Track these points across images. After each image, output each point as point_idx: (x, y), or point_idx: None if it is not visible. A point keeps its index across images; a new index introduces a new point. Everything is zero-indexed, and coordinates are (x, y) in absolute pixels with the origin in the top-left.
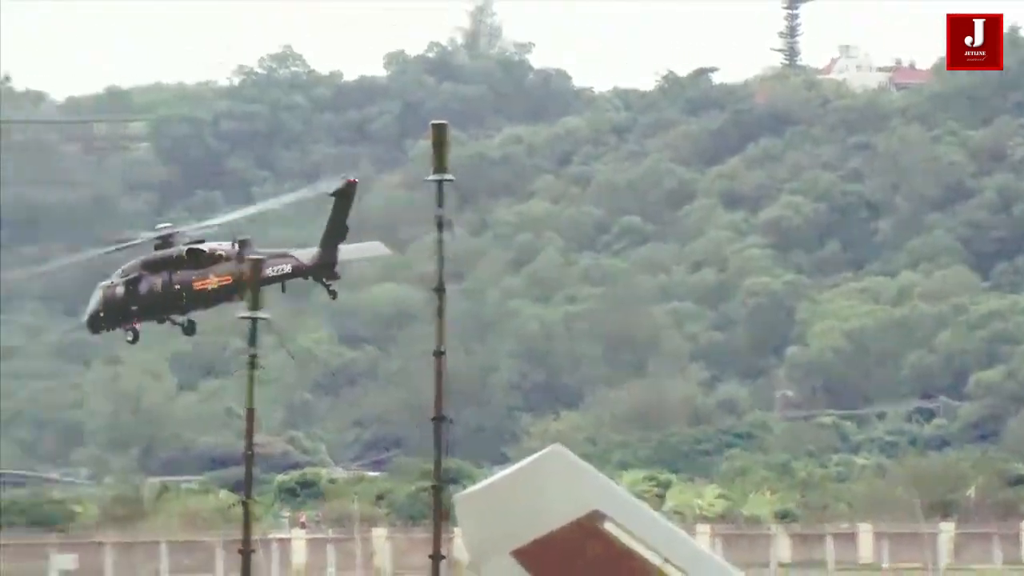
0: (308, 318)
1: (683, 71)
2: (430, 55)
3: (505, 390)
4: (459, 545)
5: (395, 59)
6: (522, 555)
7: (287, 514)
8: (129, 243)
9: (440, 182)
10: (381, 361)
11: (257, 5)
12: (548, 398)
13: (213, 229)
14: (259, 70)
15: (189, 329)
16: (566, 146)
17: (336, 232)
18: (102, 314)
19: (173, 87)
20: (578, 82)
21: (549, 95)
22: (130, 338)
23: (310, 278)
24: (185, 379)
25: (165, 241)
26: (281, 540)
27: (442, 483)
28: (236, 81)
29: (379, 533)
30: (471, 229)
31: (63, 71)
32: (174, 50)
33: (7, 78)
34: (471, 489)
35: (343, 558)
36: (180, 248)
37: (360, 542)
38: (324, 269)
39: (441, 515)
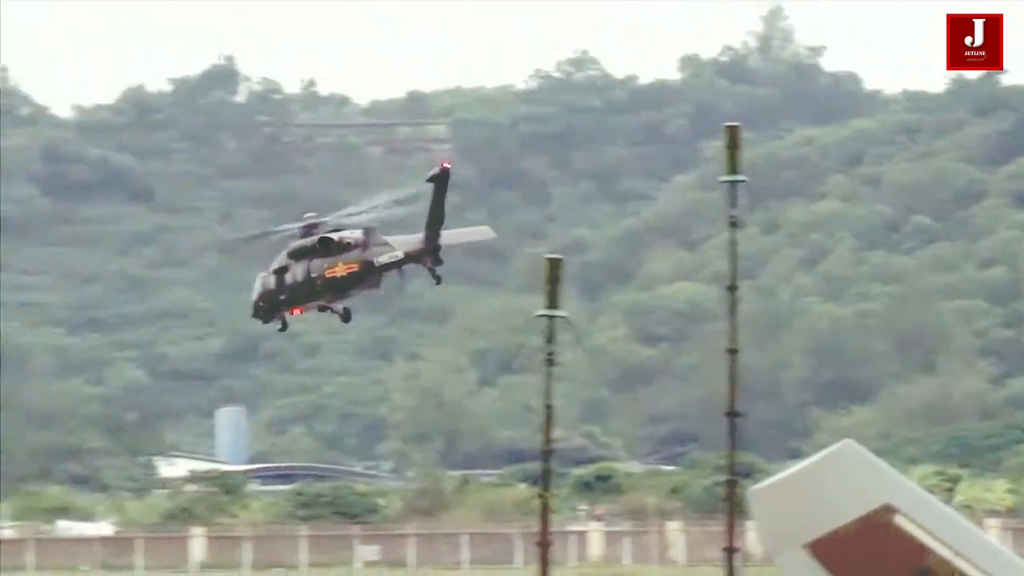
0: (605, 316)
1: (972, 74)
2: (723, 58)
3: (796, 386)
4: (753, 538)
5: (689, 62)
6: (815, 548)
7: (584, 507)
8: (280, 232)
9: (733, 183)
10: (675, 358)
11: (554, 9)
12: (838, 394)
13: (357, 218)
14: (556, 74)
15: (346, 317)
16: (856, 147)
17: (437, 217)
18: (261, 303)
19: (473, 91)
20: (868, 84)
21: (840, 97)
22: (279, 327)
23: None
24: (485, 375)
25: (309, 230)
26: (578, 532)
27: (736, 477)
28: (533, 85)
29: (674, 526)
30: (763, 228)
31: (367, 76)
32: (474, 55)
33: (312, 83)
34: (765, 483)
35: (638, 550)
36: (313, 237)
37: (655, 535)
38: (430, 254)
39: (735, 508)
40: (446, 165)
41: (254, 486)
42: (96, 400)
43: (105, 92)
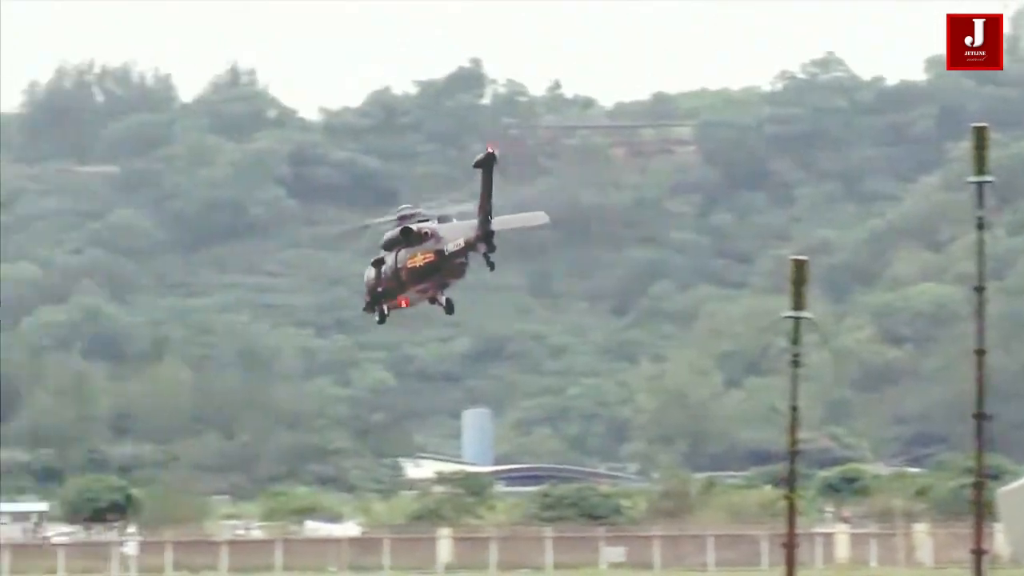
0: (850, 317)
1: None
2: None
3: None
4: (1000, 540)
5: (935, 63)
6: None
7: (830, 509)
8: (379, 223)
9: (980, 184)
10: (921, 359)
11: (800, 10)
12: None
13: (459, 207)
14: (801, 75)
15: (448, 308)
16: None
17: (487, 202)
18: (368, 296)
19: (718, 92)
20: None
21: None
22: (377, 319)
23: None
24: (730, 376)
25: (402, 221)
26: (824, 534)
27: (983, 479)
28: (779, 86)
29: (920, 528)
30: (1010, 229)
31: (612, 78)
32: (719, 56)
33: (558, 85)
34: (1013, 485)
35: (885, 552)
36: (395, 229)
37: (902, 537)
38: (483, 240)
39: (983, 511)
40: (491, 149)
41: (500, 487)
42: (343, 401)
43: (352, 95)
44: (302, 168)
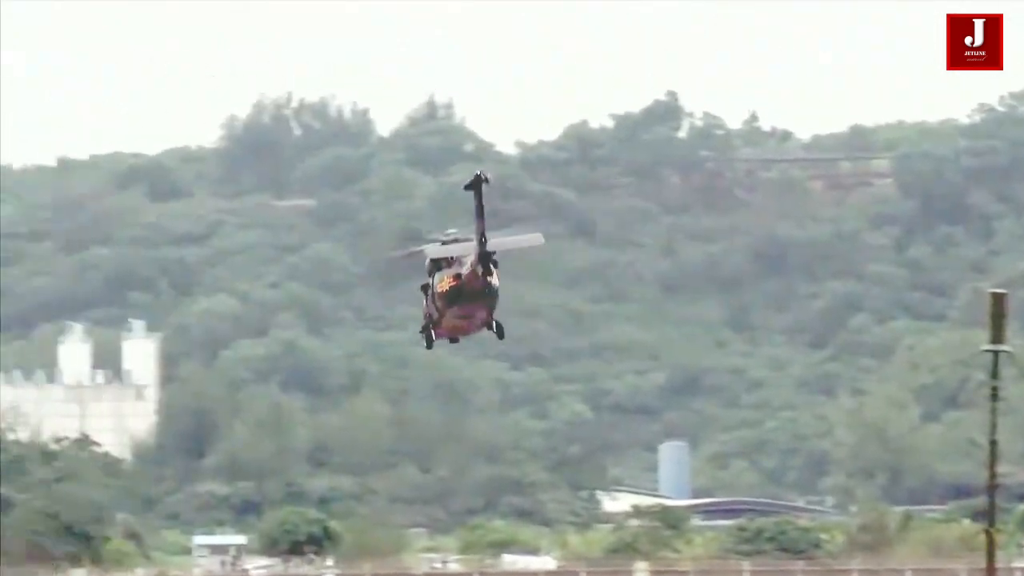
0: None
1: None
2: None
3: None
4: None
5: None
6: None
7: None
8: (428, 248)
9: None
10: None
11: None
12: None
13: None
14: (1000, 108)
15: (499, 333)
16: None
17: (481, 224)
18: (424, 320)
19: (915, 125)
20: None
21: None
22: (425, 344)
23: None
24: (929, 409)
25: (445, 246)
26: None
27: None
28: (977, 119)
29: None
30: None
31: (809, 110)
32: (916, 89)
33: (755, 117)
34: None
35: None
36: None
37: None
38: (483, 261)
39: None
40: (478, 172)
41: (697, 521)
42: (539, 434)
43: (548, 128)
44: (498, 201)
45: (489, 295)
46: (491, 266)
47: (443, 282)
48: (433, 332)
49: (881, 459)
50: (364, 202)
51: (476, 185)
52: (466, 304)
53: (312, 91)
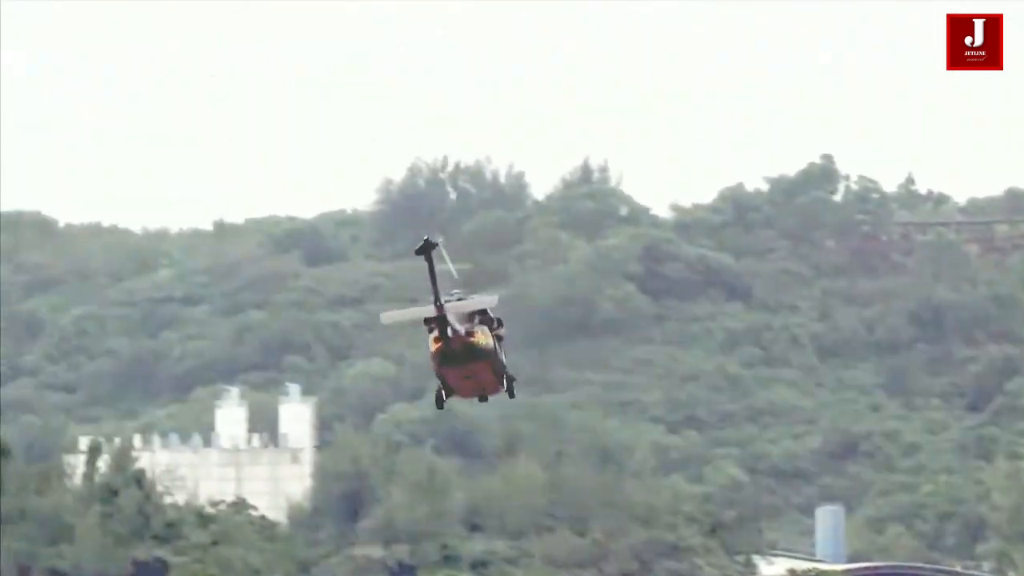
0: None
1: None
2: None
3: None
4: None
5: None
6: None
7: None
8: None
9: None
10: None
11: None
12: None
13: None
14: None
15: (509, 392)
16: None
17: (435, 287)
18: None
19: None
20: None
21: None
22: (438, 406)
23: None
24: None
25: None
26: None
27: None
28: None
29: None
30: None
31: (965, 172)
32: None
33: (911, 180)
34: None
35: None
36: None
37: None
38: (439, 323)
39: None
40: (427, 237)
41: None
42: (695, 498)
43: (703, 191)
44: (653, 265)
45: (477, 355)
46: (474, 327)
47: (431, 344)
48: (444, 393)
49: None
50: (519, 266)
51: (425, 250)
52: (457, 365)
53: (467, 154)
